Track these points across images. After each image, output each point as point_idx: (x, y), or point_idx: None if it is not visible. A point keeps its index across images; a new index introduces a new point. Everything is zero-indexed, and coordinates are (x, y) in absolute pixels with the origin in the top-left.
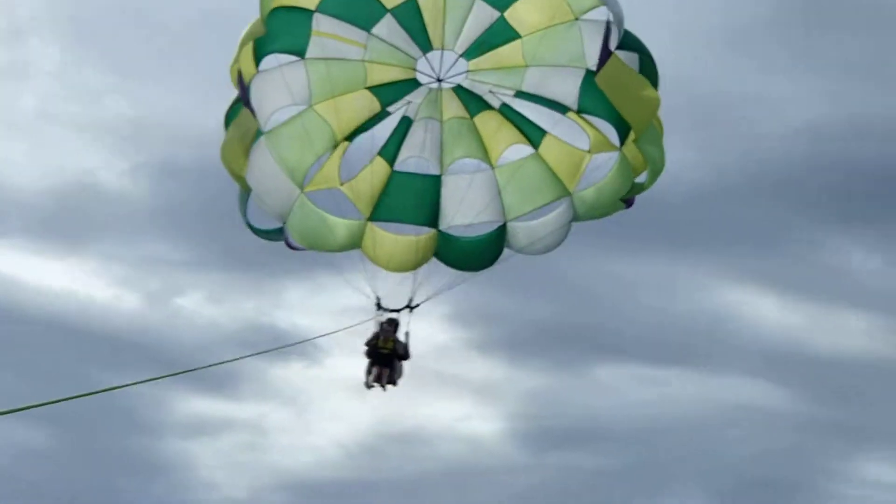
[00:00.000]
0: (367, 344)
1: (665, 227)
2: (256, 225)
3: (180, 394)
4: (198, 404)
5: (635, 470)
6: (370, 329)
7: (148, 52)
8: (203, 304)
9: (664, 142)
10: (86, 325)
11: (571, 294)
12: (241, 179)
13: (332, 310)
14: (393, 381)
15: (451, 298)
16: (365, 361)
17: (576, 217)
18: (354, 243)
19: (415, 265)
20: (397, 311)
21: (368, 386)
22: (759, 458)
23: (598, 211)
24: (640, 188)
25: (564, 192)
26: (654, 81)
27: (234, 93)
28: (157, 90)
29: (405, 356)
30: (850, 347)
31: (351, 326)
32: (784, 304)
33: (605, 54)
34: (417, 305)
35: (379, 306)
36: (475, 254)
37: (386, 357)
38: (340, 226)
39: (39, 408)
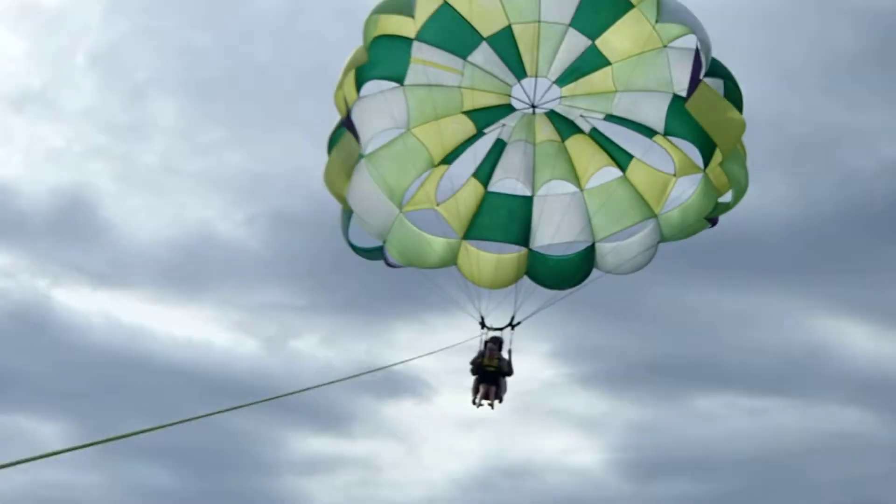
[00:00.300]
0: (473, 363)
1: (761, 260)
2: (357, 244)
3: (297, 432)
4: (313, 442)
5: (736, 497)
6: (474, 348)
7: (261, 107)
8: (317, 347)
9: (748, 164)
10: (206, 370)
11: (669, 327)
12: (342, 200)
13: (439, 347)
14: (500, 398)
15: (552, 335)
16: (471, 380)
17: (662, 238)
18: (450, 260)
19: (507, 283)
20: (500, 329)
21: (477, 404)
22: (856, 484)
23: (685, 231)
24: (726, 207)
25: (651, 214)
26: (739, 106)
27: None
28: (270, 144)
29: (509, 373)
30: None
31: (454, 345)
32: (878, 332)
33: (695, 81)
34: (519, 323)
35: (483, 325)
36: (565, 272)
37: (491, 374)
38: (437, 244)
39: (164, 447)
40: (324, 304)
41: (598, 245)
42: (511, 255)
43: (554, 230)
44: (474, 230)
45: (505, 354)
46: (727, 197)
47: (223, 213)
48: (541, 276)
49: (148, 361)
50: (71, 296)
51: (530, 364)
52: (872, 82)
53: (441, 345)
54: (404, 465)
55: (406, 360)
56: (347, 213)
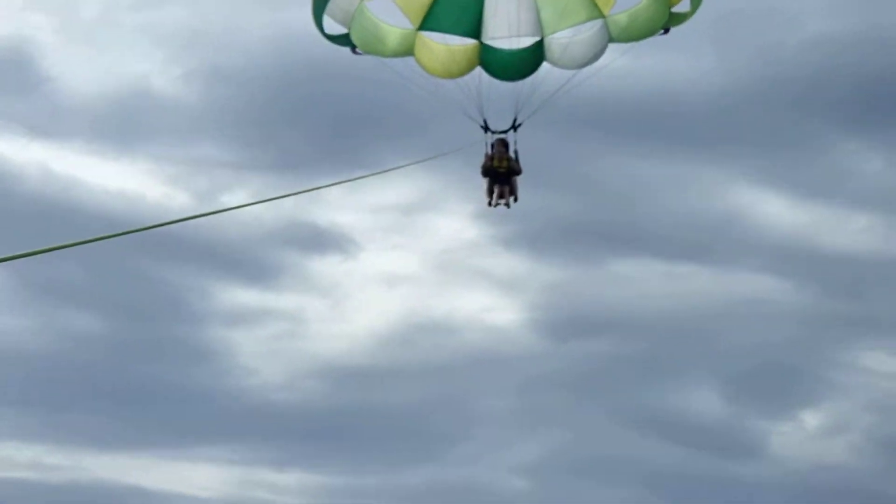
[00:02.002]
0: (483, 166)
1: (683, 129)
2: (327, 31)
3: (223, 284)
4: (240, 295)
5: (649, 358)
6: (478, 153)
7: None
8: (247, 202)
9: None
10: (138, 222)
11: (592, 192)
12: None
13: (368, 207)
14: (515, 196)
15: (477, 196)
16: (483, 182)
17: (611, 38)
18: (406, 50)
19: (459, 73)
20: (504, 132)
21: (493, 204)
22: (766, 348)
23: (633, 33)
24: (682, 18)
25: (598, 14)
26: None
27: None
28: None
29: (519, 171)
30: (854, 244)
31: (460, 148)
32: (793, 203)
33: None
34: (521, 124)
35: (486, 129)
36: (514, 65)
37: (504, 175)
38: (393, 33)
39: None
40: (255, 161)
41: (546, 40)
42: (463, 46)
43: (505, 24)
44: (429, 21)
45: (512, 154)
46: (684, 6)
47: (160, 68)
48: (492, 68)
49: (80, 212)
50: (5, 146)
51: (455, 224)
52: None
53: (369, 203)
54: (328, 319)
55: (403, 165)
56: (321, 3)
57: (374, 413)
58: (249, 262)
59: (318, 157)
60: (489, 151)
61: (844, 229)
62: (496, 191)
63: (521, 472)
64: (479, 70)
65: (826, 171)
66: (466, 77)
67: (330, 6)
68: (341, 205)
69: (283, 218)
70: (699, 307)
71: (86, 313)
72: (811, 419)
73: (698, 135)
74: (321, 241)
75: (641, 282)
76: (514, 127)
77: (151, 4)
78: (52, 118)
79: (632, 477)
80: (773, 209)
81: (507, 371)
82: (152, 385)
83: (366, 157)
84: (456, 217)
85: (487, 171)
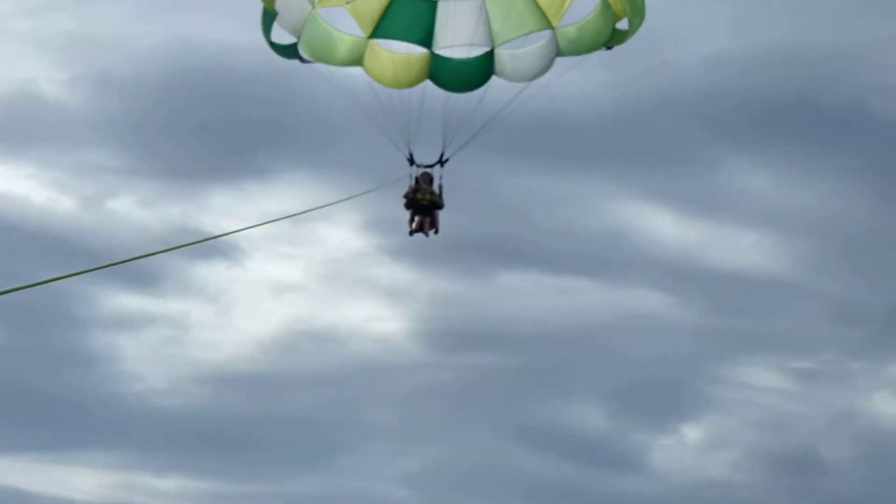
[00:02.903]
0: (406, 196)
1: (573, 144)
2: (276, 41)
3: (107, 290)
4: (123, 300)
5: (535, 371)
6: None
7: None
8: (133, 208)
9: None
10: (22, 226)
11: (481, 206)
12: (268, 2)
13: (254, 214)
14: (435, 228)
15: (366, 208)
16: (405, 213)
17: (559, 52)
18: (355, 58)
19: (409, 83)
20: (430, 165)
21: (412, 233)
22: (650, 363)
23: (580, 46)
24: (624, 35)
25: (547, 25)
26: None
27: None
28: (96, 7)
29: (441, 205)
30: (739, 262)
31: (387, 185)
32: (681, 220)
33: None
34: (447, 160)
35: (412, 162)
36: (464, 75)
37: (425, 207)
38: (344, 41)
39: None
40: (142, 167)
41: (496, 51)
42: (414, 55)
43: (455, 34)
44: (380, 30)
45: (436, 189)
46: (625, 24)
47: (48, 74)
48: (442, 79)
49: None
50: None
51: (342, 234)
52: None
53: (254, 210)
54: (213, 325)
55: (330, 203)
56: (270, 15)
57: (259, 421)
58: (134, 267)
59: (205, 163)
60: (412, 183)
61: (730, 246)
62: (416, 221)
63: (404, 482)
64: (412, 97)
65: (713, 188)
66: (400, 100)
67: (280, 15)
68: (228, 212)
69: (169, 223)
70: (586, 321)
71: None
72: (692, 433)
73: (588, 151)
74: (207, 247)
75: (529, 295)
76: (441, 162)
77: (38, 11)
78: None
79: (514, 489)
80: (661, 225)
81: (392, 381)
82: (34, 389)
83: (252, 163)
84: (343, 227)
85: (410, 203)
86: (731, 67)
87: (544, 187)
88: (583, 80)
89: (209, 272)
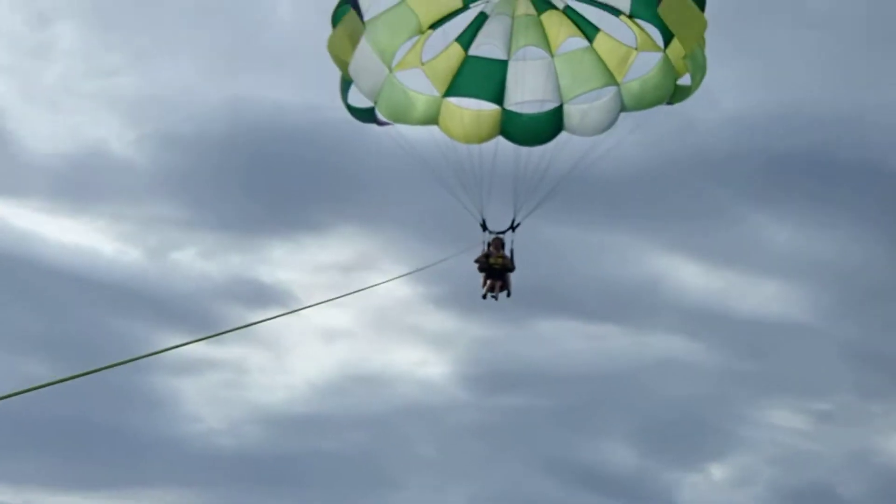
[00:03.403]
0: (478, 261)
1: (605, 200)
2: (354, 104)
3: (171, 336)
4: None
5: (568, 412)
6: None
7: (153, 35)
8: (196, 259)
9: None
10: (92, 276)
11: (519, 257)
12: (344, 67)
13: (310, 266)
14: (508, 291)
15: (409, 258)
16: (479, 276)
17: (623, 107)
18: (431, 117)
19: (482, 138)
20: (502, 232)
21: (485, 296)
22: (677, 404)
23: (643, 102)
24: (687, 92)
25: (613, 81)
26: (702, 5)
27: None
28: (161, 69)
29: (512, 269)
30: (762, 309)
31: (465, 250)
32: (706, 270)
33: None
34: (518, 224)
35: (484, 228)
36: (535, 129)
37: (497, 271)
38: (420, 100)
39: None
40: (204, 220)
41: (565, 106)
42: (487, 111)
43: (526, 90)
44: (454, 88)
45: (507, 253)
46: (686, 80)
47: (116, 132)
48: (513, 133)
49: (37, 265)
50: None
51: (389, 284)
52: (716, 41)
53: (311, 263)
54: (269, 370)
55: (429, 266)
56: (347, 81)
57: (311, 459)
58: (196, 314)
59: (263, 216)
60: (485, 249)
61: (753, 295)
62: (489, 284)
63: None
64: (484, 163)
65: (737, 240)
66: (472, 166)
67: (356, 82)
68: (284, 263)
69: (229, 274)
70: (617, 365)
71: (34, 359)
72: (718, 472)
73: (619, 205)
74: (264, 296)
75: (563, 341)
76: (513, 227)
77: (107, 72)
78: (13, 177)
79: None
80: (688, 275)
81: (436, 422)
82: (102, 430)
83: (308, 218)
84: (388, 275)
85: (483, 267)
86: (754, 125)
87: (577, 238)
88: (613, 135)
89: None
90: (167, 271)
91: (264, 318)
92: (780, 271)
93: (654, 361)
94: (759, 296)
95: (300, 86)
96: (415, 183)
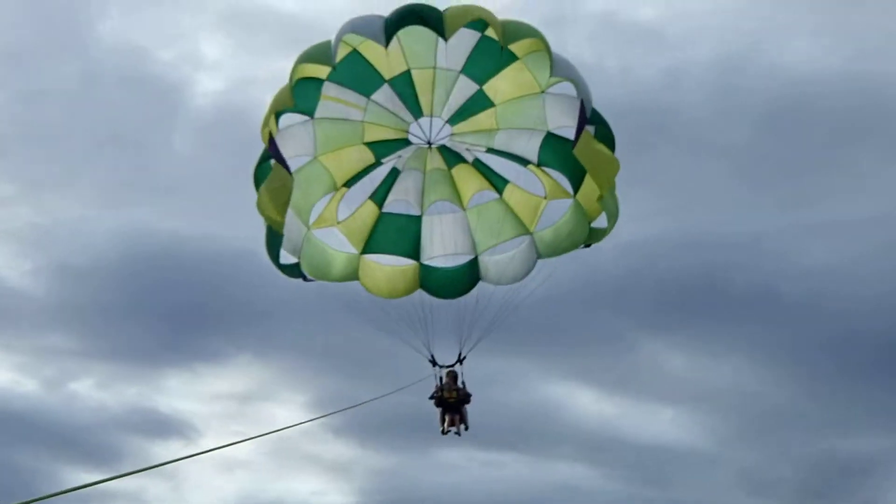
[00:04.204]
0: (433, 397)
1: (505, 327)
2: (282, 262)
3: (68, 467)
4: (84, 477)
5: None
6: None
7: (48, 166)
8: (92, 389)
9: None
10: None
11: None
12: (276, 225)
13: (207, 395)
14: (465, 425)
15: (310, 387)
16: (436, 411)
17: (539, 254)
18: (352, 274)
19: (401, 293)
20: (451, 365)
21: (444, 433)
22: None
23: (558, 248)
24: (603, 233)
25: (525, 231)
26: (612, 146)
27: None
28: (55, 200)
29: (467, 400)
30: (660, 435)
31: (410, 385)
32: (603, 396)
33: (580, 130)
34: (465, 357)
35: (434, 363)
36: (452, 283)
37: (453, 405)
38: (339, 258)
39: None
40: (100, 350)
41: (480, 258)
42: (403, 267)
43: (440, 245)
44: (371, 245)
45: (460, 385)
46: (601, 222)
47: (9, 263)
48: (432, 287)
49: None
50: None
51: (288, 412)
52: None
53: (207, 392)
54: (168, 501)
55: (390, 393)
56: (275, 237)
57: None
58: (94, 445)
59: (159, 346)
60: (438, 383)
61: (651, 421)
62: (447, 419)
63: None
64: (422, 304)
65: (633, 367)
66: (416, 308)
67: (285, 238)
68: (183, 393)
69: (127, 404)
70: (517, 492)
71: None
72: None
73: (516, 332)
74: (163, 426)
75: (463, 469)
76: (460, 360)
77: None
78: None
79: None
80: (586, 401)
81: None
82: None
83: (204, 347)
84: (289, 405)
85: (439, 402)
86: (648, 253)
87: (478, 365)
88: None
89: (165, 450)
90: (64, 402)
91: (163, 449)
92: (675, 398)
93: (554, 488)
94: (657, 422)
95: (195, 216)
96: (310, 313)
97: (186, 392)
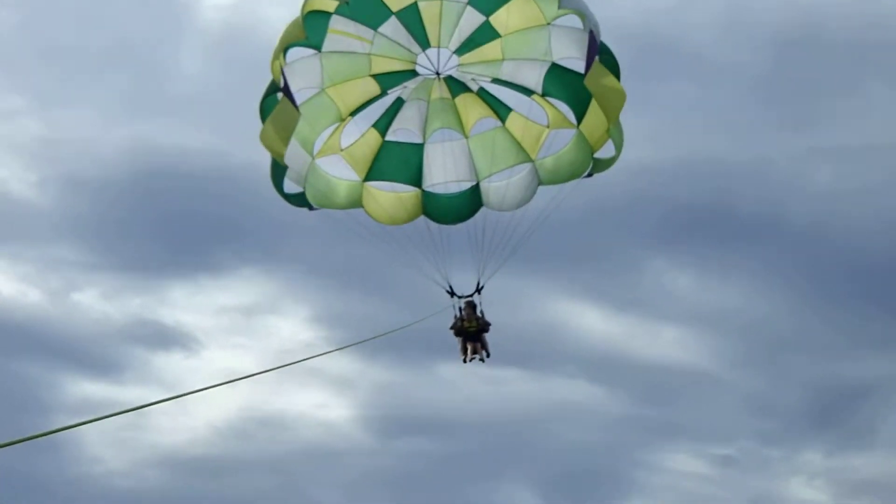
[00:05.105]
0: (453, 327)
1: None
2: (287, 191)
3: (71, 377)
4: (86, 387)
5: (471, 456)
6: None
7: (59, 79)
8: (97, 301)
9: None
10: None
11: (418, 302)
12: (279, 157)
13: (210, 307)
14: (487, 352)
15: (313, 301)
16: (456, 341)
17: (540, 181)
18: (354, 201)
19: (404, 219)
20: (469, 295)
21: (466, 361)
22: (579, 449)
23: (559, 176)
24: (608, 163)
25: (527, 159)
26: (618, 76)
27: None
28: (64, 114)
29: (487, 329)
30: (663, 355)
31: (431, 315)
32: (608, 316)
33: (591, 60)
34: (483, 287)
35: (452, 293)
36: (453, 209)
37: (473, 334)
38: (342, 186)
39: None
40: (105, 262)
41: (481, 184)
42: (406, 194)
43: (442, 172)
44: (374, 173)
45: (479, 314)
46: (606, 152)
47: (16, 175)
48: (434, 213)
49: None
50: None
51: (291, 326)
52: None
53: (210, 304)
54: (171, 412)
55: (412, 323)
56: (280, 168)
57: (214, 501)
58: (97, 356)
59: (163, 259)
60: (458, 314)
61: (654, 340)
62: (469, 348)
63: None
64: (440, 236)
65: (638, 286)
66: (435, 239)
67: (289, 168)
68: (186, 305)
69: (130, 315)
70: (519, 410)
71: None
72: None
73: (522, 250)
74: (166, 338)
75: (465, 385)
76: (479, 290)
77: (8, 116)
78: None
79: None
80: (589, 320)
81: (336, 465)
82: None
83: (208, 260)
84: (293, 319)
85: (459, 332)
86: (654, 176)
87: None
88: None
89: (167, 361)
90: (68, 313)
91: (165, 360)
92: (681, 318)
93: (556, 406)
94: (660, 341)
95: (202, 131)
96: (314, 227)
97: (190, 304)
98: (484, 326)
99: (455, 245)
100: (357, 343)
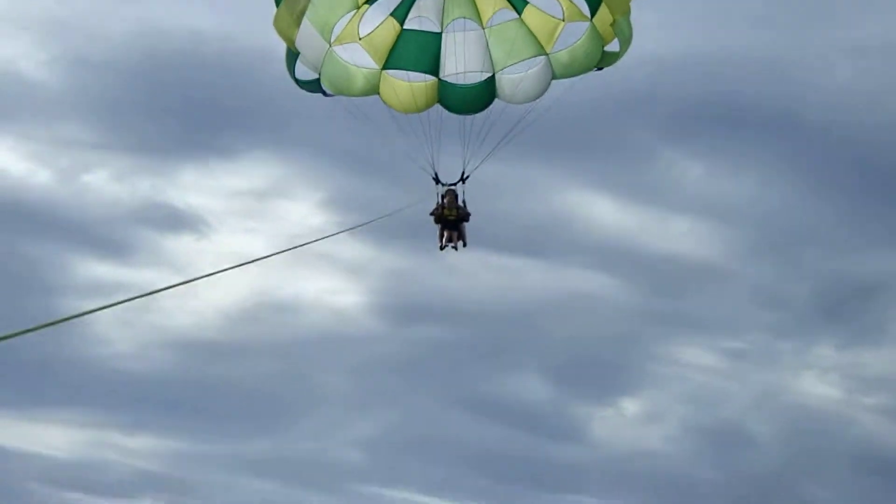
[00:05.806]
0: (433, 213)
1: (523, 136)
2: (300, 77)
3: (80, 258)
4: (96, 269)
5: (481, 344)
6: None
7: None
8: (106, 182)
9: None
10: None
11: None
12: (291, 43)
13: (221, 190)
14: (464, 242)
15: (326, 185)
16: (436, 228)
17: (554, 75)
18: (372, 89)
19: (420, 108)
20: (453, 184)
21: (443, 248)
22: (591, 339)
23: (572, 69)
24: (615, 57)
25: (542, 52)
26: None
27: None
28: None
29: (466, 219)
30: (676, 247)
31: (414, 204)
32: (620, 206)
33: None
34: (468, 177)
35: (437, 181)
36: (470, 99)
37: (452, 222)
38: (360, 73)
39: None
40: (116, 143)
41: (497, 76)
42: (423, 83)
43: (460, 62)
44: (391, 61)
45: (461, 203)
46: (614, 46)
47: (25, 53)
48: (450, 103)
49: None
50: None
51: (303, 210)
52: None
53: (221, 187)
54: (179, 295)
55: (396, 211)
56: (294, 54)
57: (221, 385)
58: (106, 238)
59: (174, 141)
60: (440, 201)
61: (667, 232)
62: (446, 235)
63: (358, 446)
64: (431, 124)
65: (651, 177)
66: (421, 127)
67: (302, 54)
68: (197, 188)
69: (140, 198)
70: (531, 299)
71: None
72: (630, 407)
73: (534, 140)
74: (176, 221)
75: (477, 273)
76: (463, 179)
77: None
78: None
79: (460, 454)
80: (602, 211)
81: (347, 351)
82: (7, 350)
83: (219, 143)
84: (304, 204)
85: (439, 219)
86: (670, 66)
87: (495, 172)
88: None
89: (177, 244)
90: (77, 193)
91: (174, 243)
92: (693, 209)
93: (568, 295)
94: (673, 233)
95: (215, 13)
96: (327, 112)
97: (201, 187)
98: (464, 216)
99: (445, 131)
100: (346, 230)
